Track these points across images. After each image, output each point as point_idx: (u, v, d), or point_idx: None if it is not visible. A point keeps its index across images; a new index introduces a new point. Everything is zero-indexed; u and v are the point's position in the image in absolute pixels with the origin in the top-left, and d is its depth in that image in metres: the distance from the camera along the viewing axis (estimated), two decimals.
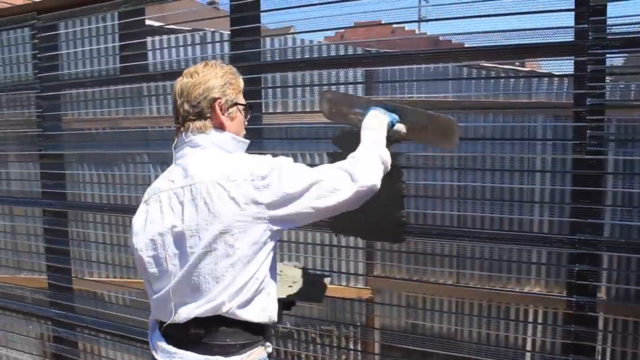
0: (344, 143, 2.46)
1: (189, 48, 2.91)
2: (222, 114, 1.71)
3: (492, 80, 3.25)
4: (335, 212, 1.69)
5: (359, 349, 4.32)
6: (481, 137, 2.66)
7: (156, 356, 1.70)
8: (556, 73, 2.45)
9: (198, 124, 1.69)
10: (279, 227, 1.65)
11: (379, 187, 1.72)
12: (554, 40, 2.18)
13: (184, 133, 1.71)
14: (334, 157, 2.46)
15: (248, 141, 1.80)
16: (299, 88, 3.51)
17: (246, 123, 1.83)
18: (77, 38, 3.31)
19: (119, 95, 3.24)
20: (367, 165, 1.73)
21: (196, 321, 1.62)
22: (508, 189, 2.88)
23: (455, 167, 2.86)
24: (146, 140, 3.68)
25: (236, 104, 1.75)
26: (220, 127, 1.71)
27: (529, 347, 3.50)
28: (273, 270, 1.71)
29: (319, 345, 4.20)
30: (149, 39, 3.30)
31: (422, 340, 2.91)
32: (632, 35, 2.10)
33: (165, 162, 3.74)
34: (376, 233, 2.35)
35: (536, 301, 3.34)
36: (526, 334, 3.58)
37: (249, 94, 2.70)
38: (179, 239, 1.62)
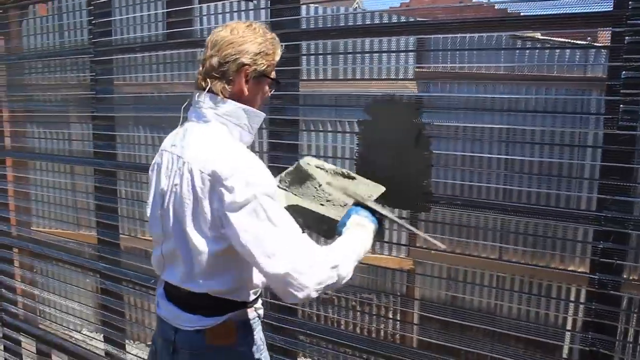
0: (376, 112, 2.49)
1: (235, 14, 2.98)
2: (246, 82, 1.66)
3: (534, 51, 3.19)
4: (255, 266, 1.57)
5: (398, 318, 4.38)
6: (519, 109, 2.64)
7: (157, 306, 1.84)
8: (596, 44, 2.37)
9: (218, 85, 1.65)
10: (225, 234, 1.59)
11: (299, 299, 1.52)
12: (591, 10, 2.11)
13: (199, 91, 1.68)
14: (365, 125, 2.51)
15: (263, 115, 1.74)
16: (342, 56, 3.53)
17: (268, 96, 1.79)
18: (129, 5, 3.45)
19: (167, 60, 3.34)
20: (341, 262, 1.58)
21: None
22: (547, 164, 2.82)
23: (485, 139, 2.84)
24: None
25: (264, 75, 1.70)
26: (239, 94, 1.67)
27: (568, 325, 3.45)
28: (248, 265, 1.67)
29: (358, 313, 4.26)
30: (195, 6, 3.39)
31: (461, 312, 2.93)
32: None
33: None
34: (400, 201, 2.36)
35: (572, 279, 3.28)
36: (566, 312, 3.53)
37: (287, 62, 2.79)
38: (166, 207, 1.67)
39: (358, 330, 4.10)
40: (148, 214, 1.80)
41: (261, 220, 1.51)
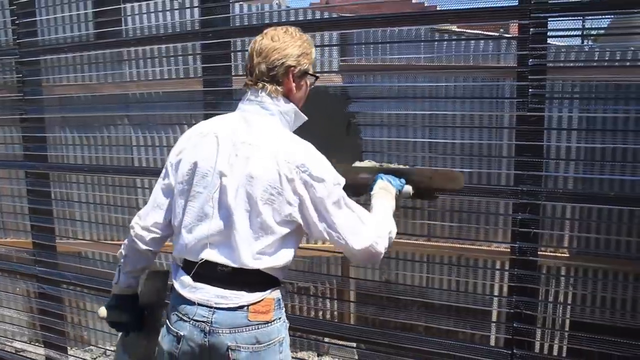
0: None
1: (160, 14, 3.03)
2: (293, 82, 1.83)
3: (452, 43, 3.45)
4: (340, 248, 1.81)
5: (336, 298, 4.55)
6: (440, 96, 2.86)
7: (180, 291, 1.82)
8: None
9: (271, 87, 1.81)
10: (300, 221, 1.77)
11: (379, 258, 1.84)
12: (500, 5, 2.35)
13: (257, 91, 1.82)
14: None
15: (306, 118, 1.91)
16: None
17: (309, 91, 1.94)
18: (55, 4, 3.41)
19: (98, 60, 3.34)
20: (389, 236, 1.87)
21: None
22: (468, 145, 3.06)
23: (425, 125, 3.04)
24: (124, 103, 3.80)
25: (307, 73, 1.87)
26: (289, 92, 1.84)
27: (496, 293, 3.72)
28: (298, 243, 1.85)
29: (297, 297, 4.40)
30: (123, 6, 3.40)
31: (394, 288, 3.13)
32: (571, 0, 2.28)
33: (138, 124, 3.87)
34: None
35: (497, 252, 3.56)
36: (492, 281, 3.79)
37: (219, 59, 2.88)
38: (223, 188, 1.76)
39: (297, 313, 4.22)
40: (176, 182, 1.86)
41: (342, 207, 1.77)
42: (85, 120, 3.47)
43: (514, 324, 2.47)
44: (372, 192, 2.04)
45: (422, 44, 3.08)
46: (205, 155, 1.81)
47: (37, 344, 4.12)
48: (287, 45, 1.82)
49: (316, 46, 3.96)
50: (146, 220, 1.95)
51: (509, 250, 2.49)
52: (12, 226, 4.46)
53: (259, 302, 1.78)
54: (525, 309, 2.44)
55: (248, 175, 1.73)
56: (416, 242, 4.01)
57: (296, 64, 1.82)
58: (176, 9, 3.02)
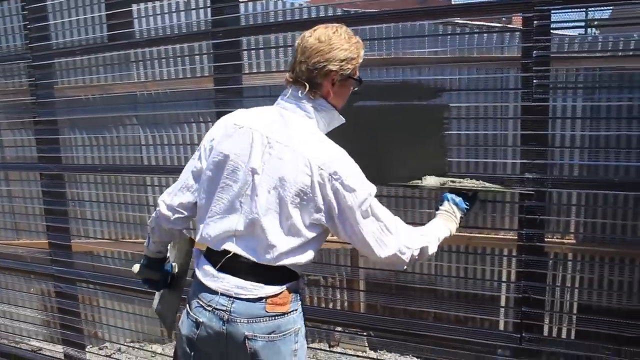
0: None
1: (173, 15, 3.09)
2: (333, 85, 1.82)
3: (456, 36, 3.51)
4: (365, 254, 1.88)
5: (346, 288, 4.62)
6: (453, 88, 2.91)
7: (202, 279, 1.87)
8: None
9: (308, 89, 1.80)
10: (327, 226, 1.82)
11: (402, 267, 1.91)
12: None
13: (297, 90, 1.82)
14: None
15: (344, 120, 1.91)
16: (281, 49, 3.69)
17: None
18: (63, 9, 3.47)
19: (107, 62, 3.41)
20: (421, 248, 1.92)
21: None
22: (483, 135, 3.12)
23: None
24: (135, 103, 3.87)
25: (350, 77, 1.84)
26: (327, 95, 1.83)
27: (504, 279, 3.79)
28: (320, 245, 1.89)
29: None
30: (134, 7, 3.46)
31: (402, 278, 3.19)
32: None
33: (154, 123, 3.93)
34: None
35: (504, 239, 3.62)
36: (501, 266, 3.85)
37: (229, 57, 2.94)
38: (254, 184, 1.78)
39: (308, 304, 4.30)
40: (206, 169, 1.89)
41: (369, 217, 1.79)
42: (98, 121, 3.53)
43: (523, 309, 2.54)
44: (437, 212, 2.14)
45: (427, 37, 3.14)
46: (238, 149, 1.82)
47: (53, 342, 4.20)
48: (332, 48, 1.78)
49: None
50: (173, 200, 1.98)
51: (516, 237, 2.56)
52: (25, 227, 4.53)
53: (277, 294, 1.82)
54: (533, 293, 2.51)
55: (281, 177, 1.75)
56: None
57: (338, 69, 1.79)
58: (186, 10, 3.08)
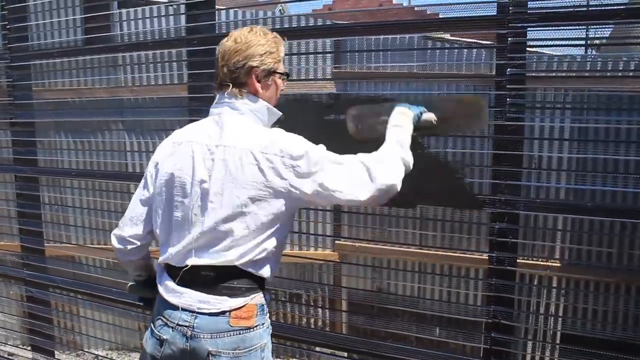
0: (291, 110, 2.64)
1: (148, 21, 3.06)
2: (258, 82, 1.82)
3: (436, 51, 3.47)
4: (347, 203, 1.80)
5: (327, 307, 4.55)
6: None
7: (165, 296, 1.84)
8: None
9: (234, 89, 1.80)
10: (297, 204, 1.79)
11: (398, 189, 1.79)
12: (478, 14, 2.34)
13: (223, 93, 1.83)
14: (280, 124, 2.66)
15: (280, 113, 1.90)
16: None
17: (282, 89, 1.93)
18: (45, 10, 3.44)
19: (86, 65, 3.37)
20: (389, 167, 1.80)
21: (207, 266, 1.77)
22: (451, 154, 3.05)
23: None
24: (113, 108, 3.84)
25: (274, 72, 1.85)
26: (255, 94, 1.83)
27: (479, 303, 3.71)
28: (286, 234, 1.86)
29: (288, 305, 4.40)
30: (112, 12, 3.43)
31: (385, 298, 3.13)
32: (550, 10, 2.27)
33: (131, 130, 3.90)
34: None
35: (475, 260, 3.56)
36: (476, 290, 3.78)
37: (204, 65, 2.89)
38: (205, 194, 1.76)
39: (289, 321, 4.22)
40: (156, 194, 1.88)
41: (330, 167, 1.75)
42: (75, 124, 3.49)
43: (492, 334, 2.46)
44: (389, 119, 1.99)
45: (398, 52, 3.09)
46: (181, 164, 1.82)
47: (26, 347, 4.13)
48: (249, 45, 1.80)
49: (309, 53, 3.98)
50: (124, 231, 1.97)
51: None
52: (7, 230, 4.48)
53: (240, 307, 1.78)
54: (504, 319, 2.43)
55: (231, 178, 1.73)
56: (399, 249, 4.03)
57: (259, 63, 1.80)
58: (163, 16, 3.04)
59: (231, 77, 1.81)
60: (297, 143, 1.76)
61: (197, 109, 2.91)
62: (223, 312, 1.77)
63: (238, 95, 1.81)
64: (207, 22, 2.86)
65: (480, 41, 4.11)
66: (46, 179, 3.70)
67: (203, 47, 2.86)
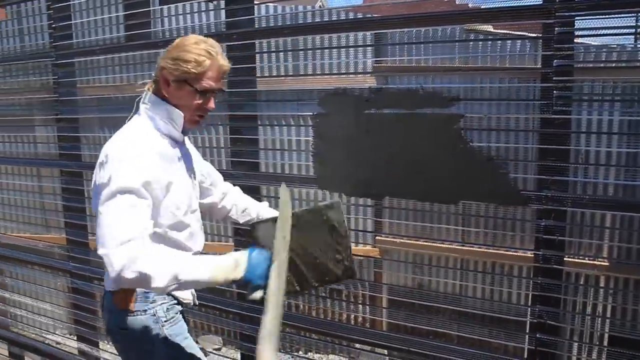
0: (330, 105, 2.62)
1: (188, 16, 3.07)
2: (165, 85, 1.80)
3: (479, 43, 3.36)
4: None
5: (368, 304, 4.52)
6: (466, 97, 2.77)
7: None
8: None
9: (150, 84, 1.87)
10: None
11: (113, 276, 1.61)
12: (524, 4, 2.26)
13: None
14: (319, 118, 2.64)
15: (180, 113, 1.82)
16: (302, 53, 3.61)
17: (207, 107, 1.84)
18: (89, 7, 3.50)
19: (128, 61, 3.41)
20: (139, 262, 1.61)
21: None
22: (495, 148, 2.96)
23: None
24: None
25: (184, 81, 1.78)
26: (160, 93, 1.83)
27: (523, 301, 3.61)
28: None
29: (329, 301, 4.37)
30: (155, 8, 3.46)
31: (426, 295, 3.07)
32: None
33: None
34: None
35: (521, 258, 3.46)
36: (520, 289, 3.68)
37: (244, 60, 2.88)
38: None
39: (329, 317, 4.21)
40: None
41: (104, 206, 1.64)
42: (117, 120, 3.53)
43: (537, 335, 2.39)
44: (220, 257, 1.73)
45: (450, 45, 3.00)
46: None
47: (72, 337, 4.23)
48: (174, 47, 1.80)
49: (349, 47, 3.93)
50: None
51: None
52: (54, 223, 4.60)
53: (117, 291, 1.90)
54: (550, 319, 2.36)
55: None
56: (441, 245, 3.95)
57: (167, 65, 1.78)
58: (203, 11, 3.04)
59: (154, 74, 1.87)
60: (121, 159, 1.68)
61: (237, 103, 2.92)
62: (107, 292, 1.95)
63: (147, 92, 1.87)
64: (246, 16, 2.85)
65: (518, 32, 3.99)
66: (91, 173, 3.74)
67: (242, 42, 2.86)
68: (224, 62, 1.84)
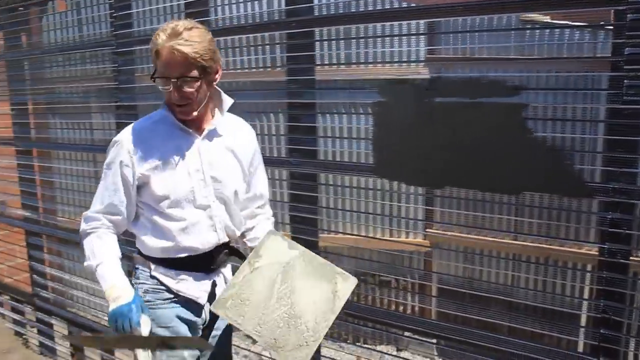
0: (388, 93, 2.60)
1: (249, 4, 3.08)
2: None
3: (537, 32, 3.27)
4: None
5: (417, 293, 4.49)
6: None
7: None
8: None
9: None
10: None
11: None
12: None
13: None
14: (378, 107, 2.63)
15: (164, 106, 2.05)
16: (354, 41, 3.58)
17: (172, 94, 1.92)
18: None
19: None
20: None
21: None
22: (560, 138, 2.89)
23: None
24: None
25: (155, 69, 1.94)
26: None
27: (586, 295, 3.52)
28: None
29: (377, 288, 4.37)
30: None
31: (477, 284, 3.04)
32: None
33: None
34: None
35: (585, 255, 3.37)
36: (583, 283, 3.59)
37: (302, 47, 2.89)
38: None
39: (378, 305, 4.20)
40: None
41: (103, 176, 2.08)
42: None
43: (601, 330, 2.33)
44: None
45: (506, 33, 2.93)
46: None
47: None
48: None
49: (401, 35, 3.86)
50: None
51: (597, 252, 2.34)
52: None
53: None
54: (614, 314, 2.30)
55: None
56: (502, 240, 3.87)
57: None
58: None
59: None
60: (113, 143, 2.09)
61: (297, 91, 2.93)
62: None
63: None
64: (306, 4, 2.85)
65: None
66: None
67: (301, 30, 2.86)
68: (162, 43, 1.89)
